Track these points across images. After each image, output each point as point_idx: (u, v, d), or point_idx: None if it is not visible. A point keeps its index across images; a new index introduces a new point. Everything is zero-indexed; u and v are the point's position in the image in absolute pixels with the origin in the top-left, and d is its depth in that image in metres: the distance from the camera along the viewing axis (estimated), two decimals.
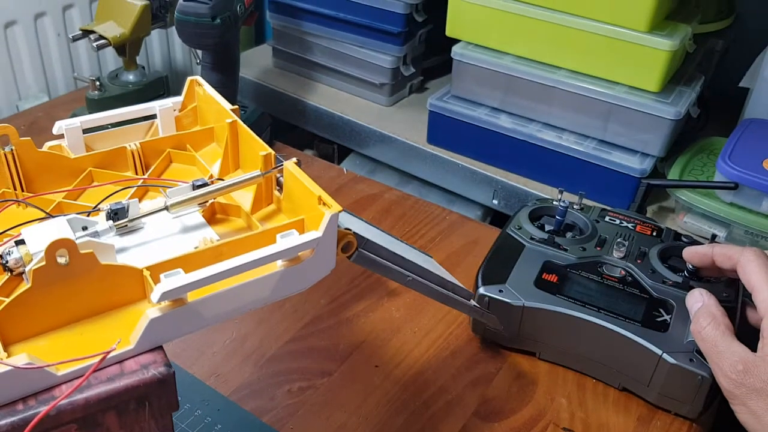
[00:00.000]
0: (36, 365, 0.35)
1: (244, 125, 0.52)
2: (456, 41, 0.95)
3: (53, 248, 0.37)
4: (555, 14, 0.85)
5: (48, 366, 0.36)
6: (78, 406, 0.37)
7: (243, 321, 0.72)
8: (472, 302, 0.60)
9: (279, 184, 0.50)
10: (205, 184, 0.48)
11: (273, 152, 0.50)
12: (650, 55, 0.81)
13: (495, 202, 0.95)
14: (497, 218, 1.00)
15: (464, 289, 0.59)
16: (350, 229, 0.47)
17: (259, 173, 0.48)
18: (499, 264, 0.69)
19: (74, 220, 0.43)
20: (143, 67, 1.02)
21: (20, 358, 0.35)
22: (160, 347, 0.40)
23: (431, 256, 0.68)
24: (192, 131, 0.56)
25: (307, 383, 0.65)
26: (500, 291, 0.65)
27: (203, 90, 0.56)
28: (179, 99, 0.58)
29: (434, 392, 0.65)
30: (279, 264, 0.43)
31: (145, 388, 0.38)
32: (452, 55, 0.94)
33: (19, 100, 1.12)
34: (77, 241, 0.38)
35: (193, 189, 0.48)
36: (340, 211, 0.44)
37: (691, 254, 0.65)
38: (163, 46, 1.29)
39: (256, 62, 1.21)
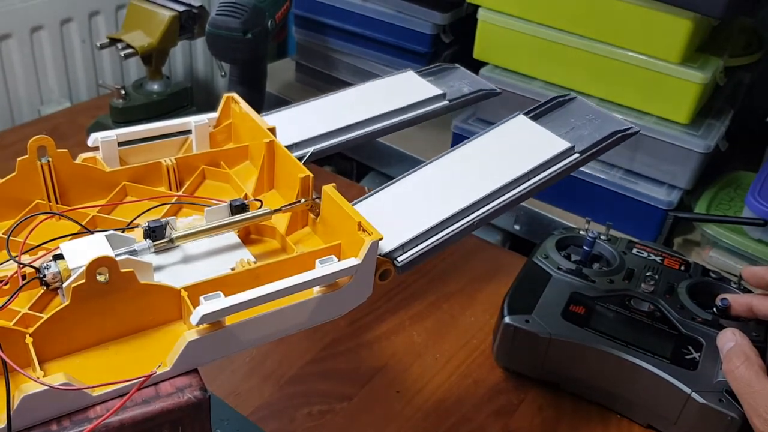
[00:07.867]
0: (74, 386, 0.35)
1: (282, 145, 0.51)
2: (482, 63, 0.95)
3: (94, 266, 0.37)
4: (587, 41, 0.84)
5: (86, 388, 0.35)
6: (112, 429, 0.36)
7: None
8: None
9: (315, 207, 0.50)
10: (242, 204, 0.47)
11: (311, 174, 0.49)
12: (681, 87, 0.80)
13: (516, 227, 0.95)
14: (517, 243, 0.99)
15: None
16: (384, 255, 0.46)
17: (268, 211, 0.48)
18: (525, 293, 0.68)
19: (112, 237, 0.42)
20: (168, 77, 1.02)
21: (57, 377, 0.35)
22: (196, 370, 0.39)
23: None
24: (228, 148, 0.55)
25: (328, 406, 0.64)
26: (527, 321, 0.64)
27: (239, 107, 0.56)
28: (214, 115, 0.57)
29: (456, 421, 0.64)
30: (316, 290, 0.43)
31: (179, 412, 0.38)
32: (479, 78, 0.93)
33: (41, 105, 1.12)
34: (117, 259, 0.38)
35: (231, 209, 0.47)
36: (380, 239, 0.43)
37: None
38: (186, 56, 1.29)
39: (278, 76, 1.21)
